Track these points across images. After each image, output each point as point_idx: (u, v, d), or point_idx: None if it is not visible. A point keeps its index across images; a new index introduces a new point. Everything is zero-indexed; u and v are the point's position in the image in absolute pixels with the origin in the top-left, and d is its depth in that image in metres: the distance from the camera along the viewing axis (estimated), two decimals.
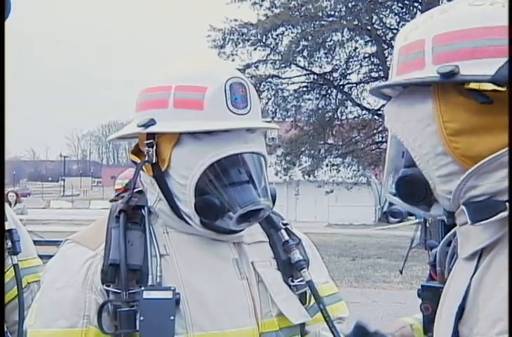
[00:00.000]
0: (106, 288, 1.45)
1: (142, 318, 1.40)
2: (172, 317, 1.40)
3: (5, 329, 2.39)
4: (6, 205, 2.51)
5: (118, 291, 1.44)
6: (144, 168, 1.54)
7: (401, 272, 12.08)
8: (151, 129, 1.49)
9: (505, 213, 0.92)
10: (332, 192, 21.79)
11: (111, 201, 4.51)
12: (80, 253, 1.51)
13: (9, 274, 2.34)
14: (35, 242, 2.68)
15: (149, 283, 1.44)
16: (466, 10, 1.01)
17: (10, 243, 2.30)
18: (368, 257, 15.78)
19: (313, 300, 1.63)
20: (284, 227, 1.69)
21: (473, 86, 0.95)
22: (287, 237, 1.66)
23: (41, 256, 2.62)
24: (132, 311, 1.42)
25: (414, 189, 1.07)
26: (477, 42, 0.97)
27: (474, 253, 1.00)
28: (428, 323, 1.43)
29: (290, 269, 1.62)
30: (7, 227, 2.29)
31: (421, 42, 1.04)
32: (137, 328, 1.40)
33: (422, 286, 1.51)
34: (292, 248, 1.63)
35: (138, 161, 1.56)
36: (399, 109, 1.08)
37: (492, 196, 0.95)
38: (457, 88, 0.98)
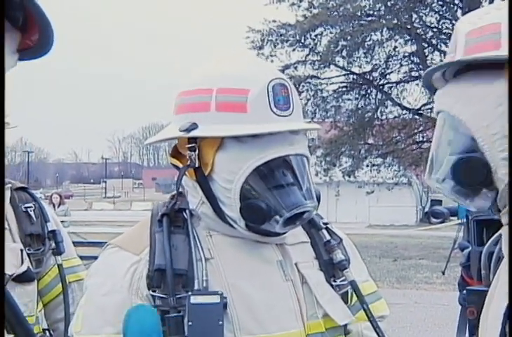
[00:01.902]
0: (152, 293, 1.44)
1: (190, 323, 1.39)
2: (220, 322, 1.39)
3: (47, 327, 2.43)
4: (48, 206, 2.55)
5: (165, 297, 1.42)
6: (186, 171, 1.52)
7: (443, 273, 11.92)
8: (194, 133, 1.47)
9: None
10: (372, 192, 21.63)
11: None
12: (124, 258, 1.50)
13: (51, 274, 2.39)
14: (78, 243, 2.72)
15: (196, 287, 1.43)
16: None
17: (53, 244, 2.33)
18: (410, 258, 15.63)
19: (354, 299, 1.62)
20: (325, 226, 1.67)
21: None
22: (328, 237, 1.64)
23: (83, 257, 2.66)
24: (180, 316, 1.40)
25: (473, 171, 1.04)
26: None
27: None
28: (473, 328, 1.41)
29: (332, 269, 1.61)
30: (50, 228, 2.34)
31: (496, 25, 1.04)
32: (186, 333, 1.39)
33: (467, 289, 1.48)
34: (334, 248, 1.61)
35: (179, 164, 1.55)
36: (465, 89, 1.07)
37: None
38: None
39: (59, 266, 2.36)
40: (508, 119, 0.92)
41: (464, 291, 1.78)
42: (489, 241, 1.38)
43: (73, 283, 2.43)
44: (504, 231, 1.04)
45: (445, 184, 1.11)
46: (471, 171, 1.05)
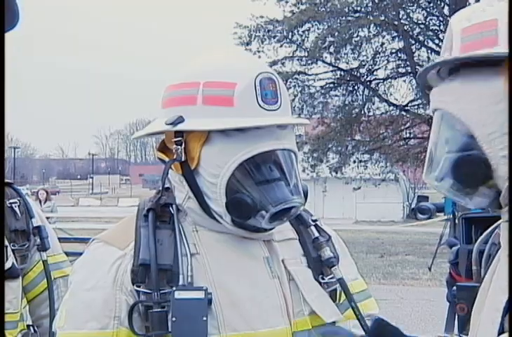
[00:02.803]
0: (137, 288, 1.43)
1: (174, 319, 1.37)
2: (204, 318, 1.38)
3: (31, 323, 2.41)
4: (34, 202, 2.54)
5: (149, 292, 1.41)
6: (172, 166, 1.51)
7: (430, 269, 12.00)
8: (180, 127, 1.46)
9: None
10: (359, 188, 21.69)
11: None
12: (109, 253, 1.48)
13: (36, 270, 2.37)
14: (64, 240, 2.71)
15: (180, 283, 1.41)
16: None
17: (38, 240, 2.32)
18: (396, 254, 15.70)
19: (343, 297, 1.61)
20: (313, 223, 1.66)
21: None
22: (317, 234, 1.63)
23: (70, 253, 2.65)
24: (164, 312, 1.39)
25: (474, 169, 1.03)
26: None
27: None
28: (463, 323, 1.41)
29: (320, 266, 1.60)
30: (35, 224, 2.32)
31: (493, 21, 1.03)
32: (169, 329, 1.38)
33: (458, 285, 1.48)
34: (322, 245, 1.60)
35: (166, 158, 1.54)
36: (461, 87, 1.06)
37: None
38: None
39: (44, 262, 2.34)
40: (508, 116, 0.91)
41: (453, 288, 1.79)
42: (479, 240, 1.38)
43: (59, 279, 2.41)
44: (504, 227, 1.03)
45: (444, 182, 1.10)
46: (471, 170, 1.04)
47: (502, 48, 0.99)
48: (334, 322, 1.58)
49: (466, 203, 1.12)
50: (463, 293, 1.41)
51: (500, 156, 1.00)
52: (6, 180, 2.38)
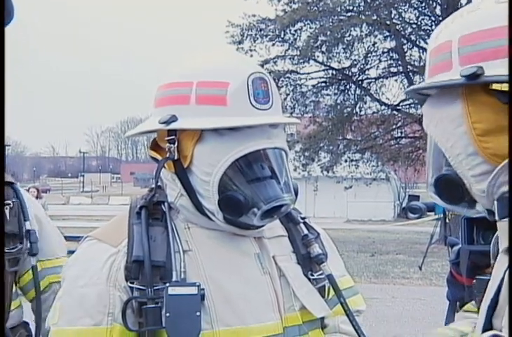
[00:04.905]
0: (130, 285, 1.44)
1: (167, 314, 1.39)
2: (198, 313, 1.40)
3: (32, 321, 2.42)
4: (36, 204, 2.51)
5: (143, 288, 1.43)
6: (165, 164, 1.52)
7: (420, 268, 12.04)
8: (174, 126, 1.48)
9: None
10: (350, 187, 21.72)
11: None
12: (102, 250, 1.49)
13: (31, 273, 2.36)
14: None
15: (174, 279, 1.43)
16: (492, 9, 1.00)
17: (29, 244, 2.30)
18: (387, 253, 15.74)
19: (331, 294, 1.63)
20: (302, 221, 1.69)
21: (495, 86, 0.94)
22: (306, 231, 1.66)
23: None
24: (157, 308, 1.41)
25: (452, 189, 1.06)
26: (501, 41, 0.96)
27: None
28: None
29: (309, 263, 1.62)
30: (28, 227, 2.30)
31: (448, 43, 1.04)
32: (163, 324, 1.40)
33: (477, 278, 1.55)
34: (311, 242, 1.63)
35: (158, 157, 1.55)
36: (432, 109, 1.09)
37: None
38: (484, 88, 0.98)
39: (33, 268, 2.33)
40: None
41: (453, 287, 1.81)
42: (495, 237, 1.40)
43: (55, 284, 2.38)
44: (498, 225, 1.04)
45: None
46: (450, 190, 1.07)
47: (454, 74, 1.00)
48: (322, 317, 1.62)
49: (465, 212, 1.14)
50: (482, 286, 1.43)
51: (470, 175, 1.03)
52: (8, 180, 2.35)
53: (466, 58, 1.00)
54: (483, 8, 1.02)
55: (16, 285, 2.37)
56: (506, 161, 0.95)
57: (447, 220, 12.44)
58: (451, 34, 1.04)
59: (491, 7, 1.01)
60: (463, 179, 1.04)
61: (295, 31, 19.27)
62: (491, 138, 0.98)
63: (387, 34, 19.24)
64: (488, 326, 0.99)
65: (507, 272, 0.97)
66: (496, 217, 0.97)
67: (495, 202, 0.99)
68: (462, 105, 1.01)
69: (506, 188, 0.97)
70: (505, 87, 0.93)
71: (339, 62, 19.72)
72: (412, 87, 1.11)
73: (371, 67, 20.18)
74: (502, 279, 0.98)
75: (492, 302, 0.99)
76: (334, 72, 20.13)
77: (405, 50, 19.22)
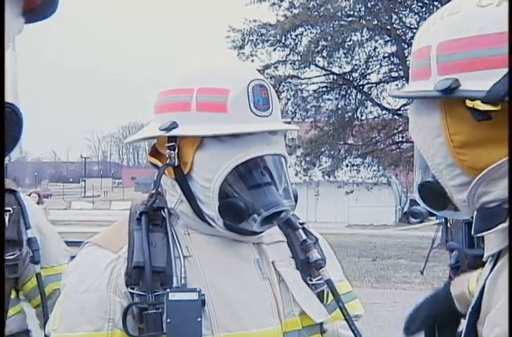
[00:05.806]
0: (131, 290, 1.44)
1: (168, 320, 1.40)
2: (198, 319, 1.40)
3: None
4: (38, 212, 2.51)
5: (143, 294, 1.43)
6: (165, 170, 1.53)
7: (422, 273, 11.98)
8: (174, 132, 1.49)
9: (504, 225, 0.90)
10: (352, 192, 21.71)
11: None
12: (102, 256, 1.50)
13: (33, 280, 2.37)
14: None
15: (174, 284, 1.43)
16: (471, 14, 0.96)
17: (31, 252, 2.31)
18: (389, 257, 15.71)
19: (330, 299, 1.64)
20: (301, 226, 1.69)
21: (468, 103, 0.92)
22: (304, 236, 1.67)
23: None
24: (158, 313, 1.41)
25: (434, 196, 1.06)
26: (478, 52, 0.93)
27: (492, 254, 1.00)
28: None
29: (308, 268, 1.63)
30: (29, 235, 2.30)
31: (427, 49, 1.01)
32: (164, 330, 1.40)
33: None
34: (310, 248, 1.64)
35: (158, 163, 1.56)
36: (415, 115, 1.07)
37: (504, 203, 0.93)
38: (461, 101, 0.95)
39: (37, 275, 2.33)
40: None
41: None
42: None
43: (58, 290, 2.37)
44: (487, 237, 1.04)
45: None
46: (433, 198, 1.06)
47: (432, 82, 0.98)
48: (321, 322, 1.62)
49: (460, 217, 1.13)
50: None
51: (450, 185, 1.02)
52: (11, 187, 2.34)
53: (443, 67, 0.98)
54: (463, 12, 0.98)
55: (18, 292, 2.37)
56: (485, 171, 0.94)
57: (449, 225, 12.38)
58: (431, 38, 1.01)
59: (471, 10, 0.97)
60: (445, 188, 1.03)
61: (296, 36, 19.34)
62: (468, 151, 0.97)
63: (388, 38, 19.30)
64: (472, 332, 0.99)
65: (487, 280, 0.97)
66: (472, 232, 0.96)
67: (475, 213, 0.98)
68: (441, 116, 0.99)
69: (486, 198, 0.95)
70: (477, 105, 0.90)
71: (340, 67, 19.79)
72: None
73: (372, 72, 20.25)
74: (483, 287, 0.97)
75: (473, 309, 0.99)
76: (335, 77, 20.18)
77: (406, 54, 19.22)
